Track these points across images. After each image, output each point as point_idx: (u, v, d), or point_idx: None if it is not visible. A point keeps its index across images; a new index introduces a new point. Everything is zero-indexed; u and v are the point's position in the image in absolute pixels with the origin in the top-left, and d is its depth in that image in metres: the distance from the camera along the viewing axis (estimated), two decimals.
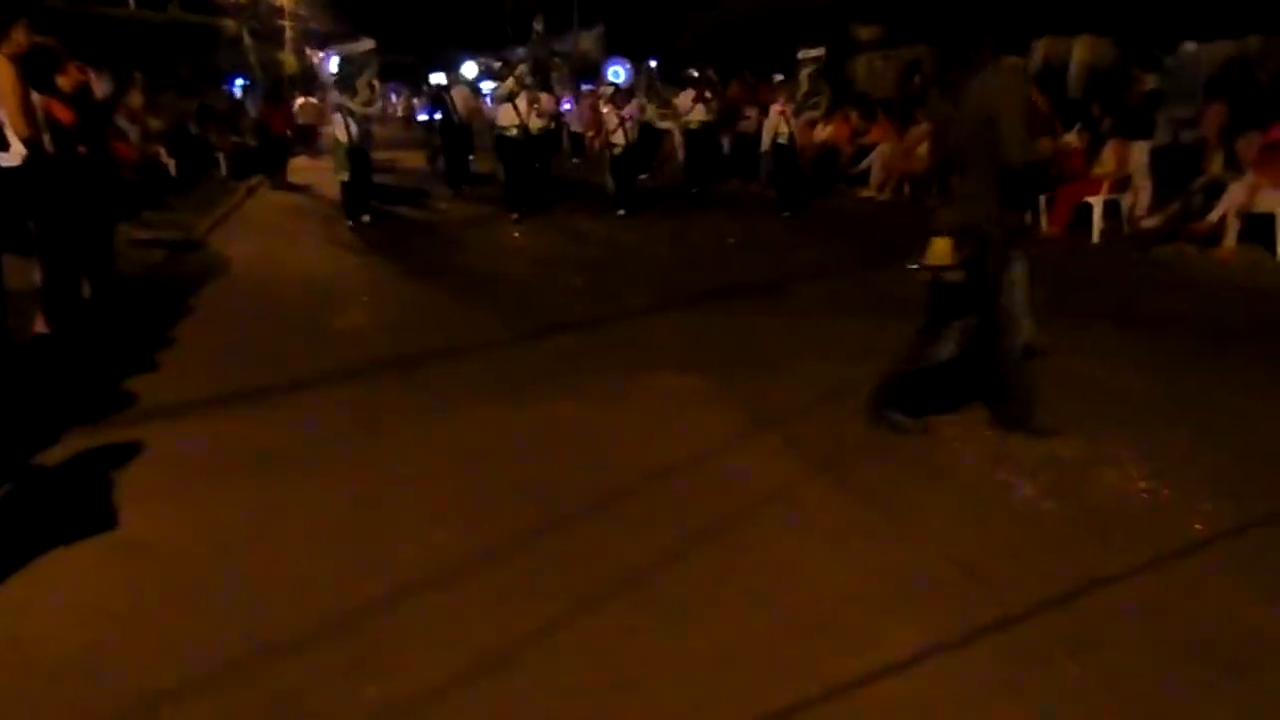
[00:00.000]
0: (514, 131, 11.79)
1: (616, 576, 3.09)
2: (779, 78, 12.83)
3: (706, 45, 21.25)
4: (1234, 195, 8.43)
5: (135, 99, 15.68)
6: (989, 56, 4.10)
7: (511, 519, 3.52)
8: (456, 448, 4.32)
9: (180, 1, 27.97)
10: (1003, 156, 3.82)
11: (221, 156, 17.51)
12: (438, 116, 17.81)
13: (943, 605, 2.90)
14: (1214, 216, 8.54)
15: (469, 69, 53.29)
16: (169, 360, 5.72)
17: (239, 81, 27.98)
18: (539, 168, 13.30)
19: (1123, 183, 9.94)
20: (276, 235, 10.97)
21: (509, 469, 4.05)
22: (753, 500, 3.64)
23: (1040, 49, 17.51)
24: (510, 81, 12.04)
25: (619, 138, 12.14)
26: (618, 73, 20.21)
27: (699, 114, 14.14)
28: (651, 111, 16.55)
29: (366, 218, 11.27)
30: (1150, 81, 10.99)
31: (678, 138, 16.44)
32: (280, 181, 16.29)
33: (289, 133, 18.75)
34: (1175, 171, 10.37)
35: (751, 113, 15.31)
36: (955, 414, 4.55)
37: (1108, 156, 9.78)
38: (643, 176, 14.35)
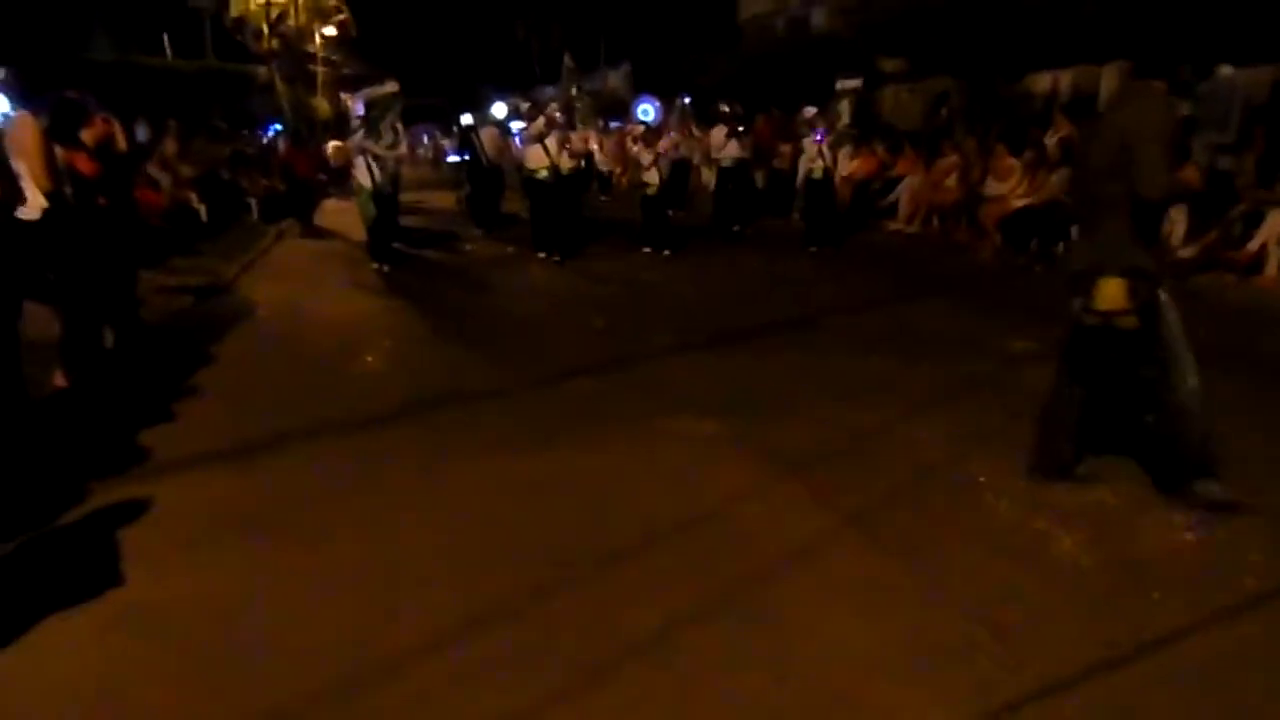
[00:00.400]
0: (544, 173, 11.60)
1: (626, 642, 2.95)
2: (811, 110, 12.57)
3: (731, 83, 21.30)
4: (1274, 223, 8.18)
5: (170, 146, 16.01)
6: (1128, 81, 3.87)
7: (518, 579, 3.39)
8: (464, 501, 4.20)
9: (215, 50, 28.75)
10: (1138, 189, 3.61)
11: (253, 201, 17.78)
12: (466, 157, 17.96)
13: (971, 675, 2.72)
14: (1254, 245, 8.29)
15: (499, 109, 54.22)
16: (187, 411, 5.68)
17: (274, 127, 28.61)
18: (570, 209, 13.01)
19: None
20: (303, 279, 11.01)
21: (516, 524, 3.92)
22: (772, 558, 3.48)
23: (1069, 77, 17.38)
24: (540, 122, 11.94)
25: (652, 176, 11.88)
26: (647, 110, 20.08)
27: (733, 150, 13.72)
28: (685, 148, 16.36)
29: (388, 267, 11.09)
30: (1185, 108, 10.73)
31: (705, 174, 16.24)
32: (308, 226, 16.36)
33: (319, 176, 19.03)
34: (1211, 199, 10.11)
35: (785, 148, 15.16)
36: (989, 459, 4.36)
37: None
38: (673, 212, 13.98)
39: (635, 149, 19.33)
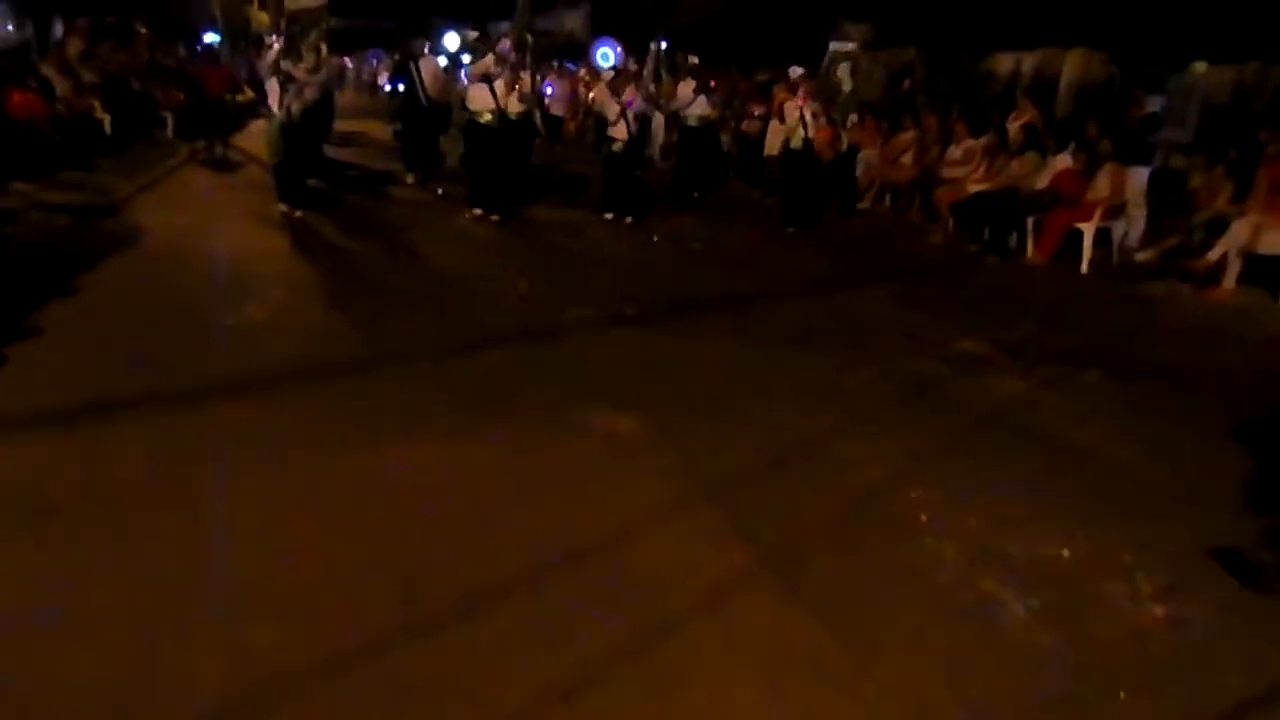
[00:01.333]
0: (488, 117, 9.94)
1: (481, 715, 2.36)
2: (798, 71, 11.33)
3: (691, 34, 20.43)
4: (1237, 233, 7.82)
5: (73, 47, 14.65)
6: None
7: (359, 616, 2.76)
8: (309, 506, 3.50)
9: None
10: None
11: (168, 116, 16.45)
12: (401, 87, 16.64)
13: None
14: (1214, 255, 7.93)
15: (451, 40, 51.98)
16: (18, 355, 4.86)
17: (209, 36, 26.67)
18: (516, 159, 11.30)
19: (1115, 210, 9.32)
20: (203, 208, 10.02)
21: (374, 541, 3.27)
22: (676, 610, 2.91)
23: (1033, 60, 16.94)
24: (489, 59, 10.31)
25: (619, 131, 10.24)
26: (606, 54, 18.66)
27: (701, 108, 12.29)
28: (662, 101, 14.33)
29: (299, 211, 9.41)
30: (1152, 104, 10.36)
31: (660, 135, 14.85)
32: (213, 153, 14.45)
33: (238, 95, 17.22)
34: (1163, 199, 9.80)
35: (758, 110, 13.99)
36: (931, 487, 3.85)
37: (1103, 182, 9.14)
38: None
39: (594, 96, 18.15)
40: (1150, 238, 9.31)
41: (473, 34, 14.47)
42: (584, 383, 5.02)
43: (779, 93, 13.51)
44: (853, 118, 11.45)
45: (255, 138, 15.25)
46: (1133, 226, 9.54)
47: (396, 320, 6.09)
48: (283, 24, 9.54)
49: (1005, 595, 3.08)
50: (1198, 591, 3.17)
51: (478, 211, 9.91)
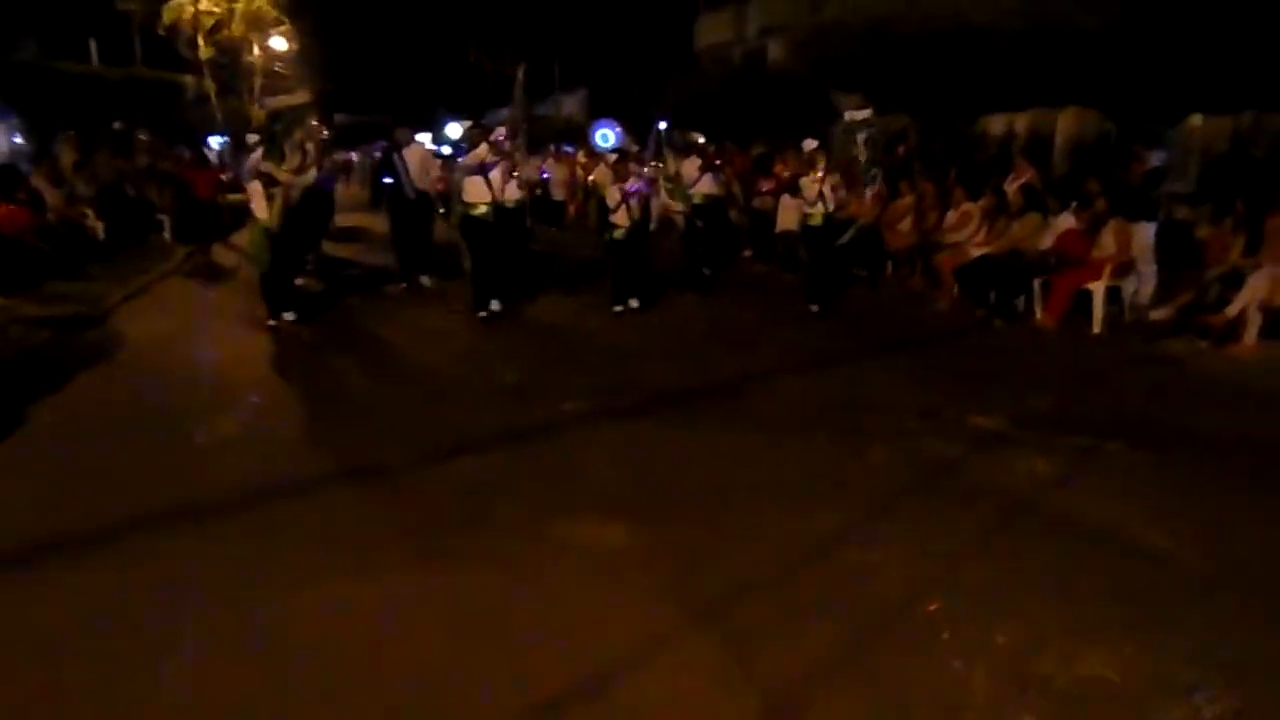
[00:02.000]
0: (483, 209, 9.28)
1: None
2: (812, 143, 10.49)
3: (686, 112, 20.58)
4: (1255, 287, 7.49)
5: (66, 158, 14.76)
6: None
7: None
8: (253, 658, 3.17)
9: (146, 58, 27.31)
10: None
11: (165, 219, 16.50)
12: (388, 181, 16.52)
13: None
14: (1232, 310, 7.58)
15: (453, 130, 53.04)
16: None
17: (220, 140, 27.08)
18: (513, 249, 10.60)
19: (1124, 268, 9.03)
20: (193, 312, 9.89)
21: (325, 692, 2.91)
22: None
23: (1026, 120, 16.91)
24: (482, 149, 9.43)
25: (621, 218, 9.48)
26: (606, 136, 18.17)
27: (707, 186, 11.90)
28: (664, 186, 13.07)
29: (290, 315, 8.78)
30: (1152, 159, 10.16)
31: (678, 213, 13.28)
32: (206, 258, 13.97)
33: (224, 198, 16.47)
34: (1171, 253, 9.52)
35: (768, 185, 13.30)
36: (955, 597, 3.46)
37: (1108, 239, 8.86)
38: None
39: (594, 178, 17.89)
40: (1163, 294, 8.99)
41: (468, 123, 12.69)
42: (571, 488, 4.68)
43: (785, 166, 13.26)
44: (873, 189, 11.18)
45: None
46: (1143, 283, 9.24)
47: (375, 429, 5.79)
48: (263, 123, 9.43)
49: None
50: (1268, 714, 2.76)
51: (483, 315, 9.18)
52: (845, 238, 11.97)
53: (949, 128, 15.11)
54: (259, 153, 9.06)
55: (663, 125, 13.95)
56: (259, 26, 28.70)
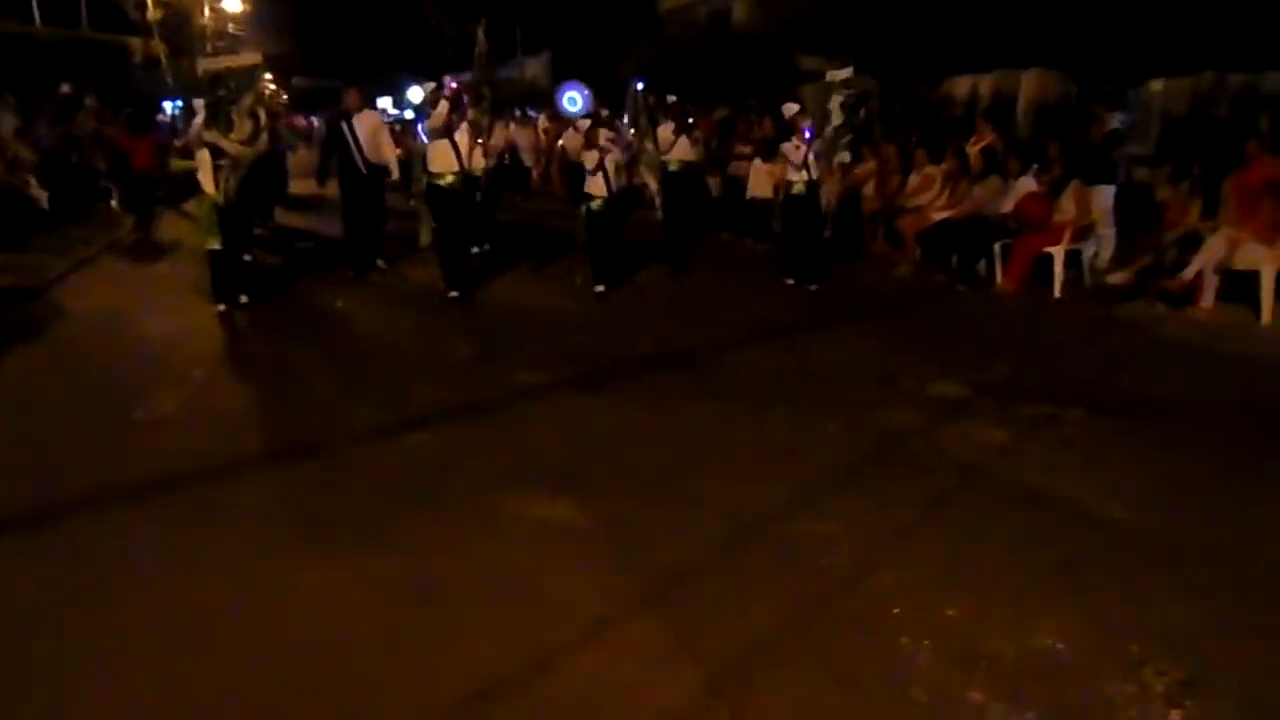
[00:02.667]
0: (450, 179, 8.46)
1: None
2: (794, 107, 9.47)
3: (650, 74, 20.26)
4: (1212, 249, 7.49)
5: (6, 123, 14.21)
6: None
7: None
8: (184, 648, 3.03)
9: (92, 20, 26.39)
10: None
11: (113, 187, 16.01)
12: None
13: None
14: (1189, 273, 7.59)
15: (415, 94, 51.84)
16: None
17: (167, 103, 26.25)
18: (480, 219, 10.06)
19: (1084, 231, 9.01)
20: (139, 284, 9.59)
21: (258, 676, 2.80)
22: None
23: (990, 82, 16.83)
24: (443, 107, 8.44)
25: (596, 186, 8.74)
26: (574, 99, 17.28)
27: (683, 152, 11.07)
28: (649, 151, 11.96)
29: (243, 298, 8.15)
30: (1113, 121, 10.12)
31: (653, 183, 12.18)
32: (144, 233, 13.02)
33: (166, 166, 15.39)
34: (1131, 216, 9.53)
35: (745, 150, 12.75)
36: (905, 569, 3.40)
37: (1068, 203, 8.83)
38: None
39: (564, 144, 16.57)
40: (1122, 257, 9.00)
41: (430, 85, 11.03)
42: (522, 463, 4.57)
43: (755, 130, 12.99)
44: (840, 157, 10.35)
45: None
46: (1102, 246, 9.25)
47: (323, 405, 5.63)
48: (209, 85, 8.30)
49: (995, 709, 2.62)
50: (1216, 685, 2.73)
51: (454, 293, 8.51)
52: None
53: (911, 90, 15.01)
54: (200, 119, 7.91)
55: (639, 86, 12.56)
56: None
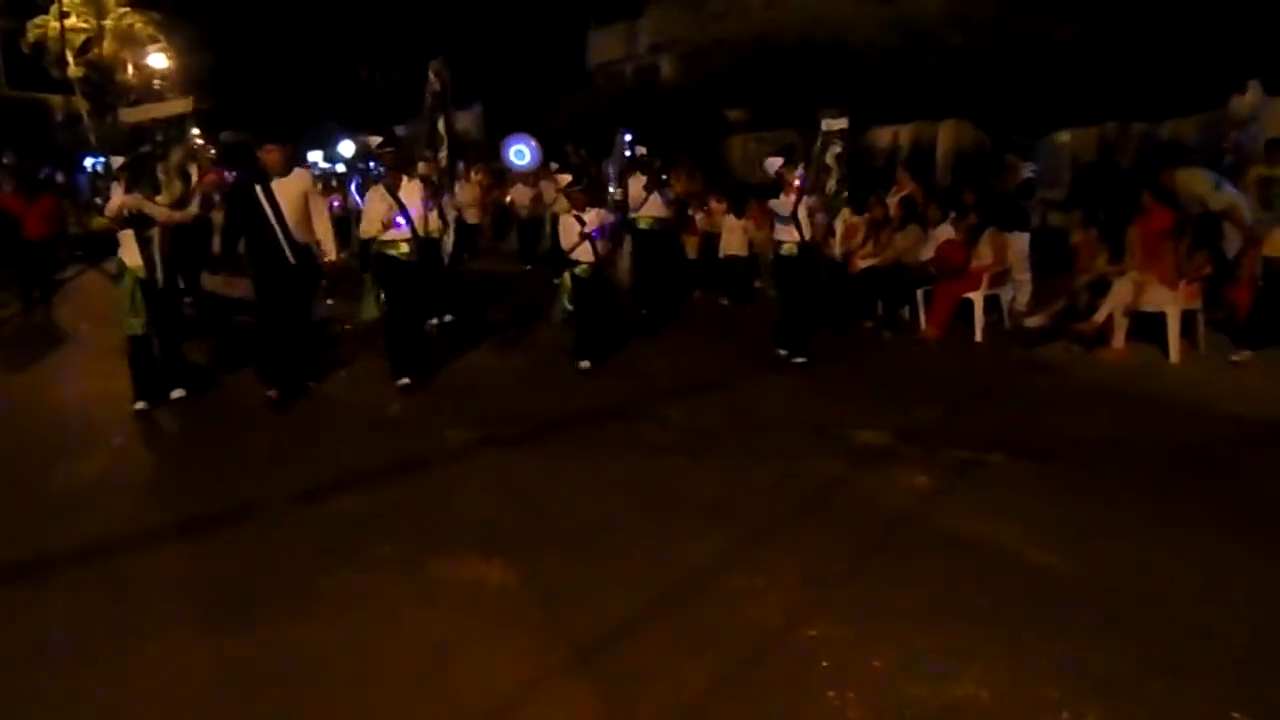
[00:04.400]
0: (404, 249, 7.23)
1: None
2: (777, 161, 8.46)
3: (579, 126, 20.55)
4: (1120, 293, 7.83)
5: None
6: None
7: None
8: (112, 711, 2.92)
9: (12, 78, 25.88)
10: None
11: None
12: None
13: None
14: (1100, 316, 7.91)
15: (346, 148, 51.63)
16: None
17: (89, 161, 25.66)
18: (448, 288, 9.23)
19: (1001, 276, 9.35)
20: (56, 345, 9.29)
21: None
22: None
23: (910, 132, 17.44)
24: (388, 160, 7.46)
25: (584, 252, 7.71)
26: (521, 152, 16.02)
27: (655, 209, 10.36)
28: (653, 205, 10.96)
29: (179, 392, 6.81)
30: (1025, 170, 10.57)
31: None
32: (32, 310, 11.57)
33: (61, 236, 14.05)
34: (1047, 259, 9.93)
35: (718, 206, 12.12)
36: (830, 621, 3.43)
37: (985, 250, 9.16)
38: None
39: (512, 199, 16.08)
40: (1038, 301, 9.34)
41: (375, 139, 8.84)
42: (450, 523, 4.51)
43: (690, 182, 12.56)
44: (844, 213, 9.37)
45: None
46: (1020, 291, 9.59)
47: (246, 467, 5.49)
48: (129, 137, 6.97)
49: None
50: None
51: (405, 381, 7.17)
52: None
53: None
54: (118, 186, 6.65)
55: (628, 137, 11.47)
56: (133, 44, 27.59)
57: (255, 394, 6.89)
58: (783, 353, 8.13)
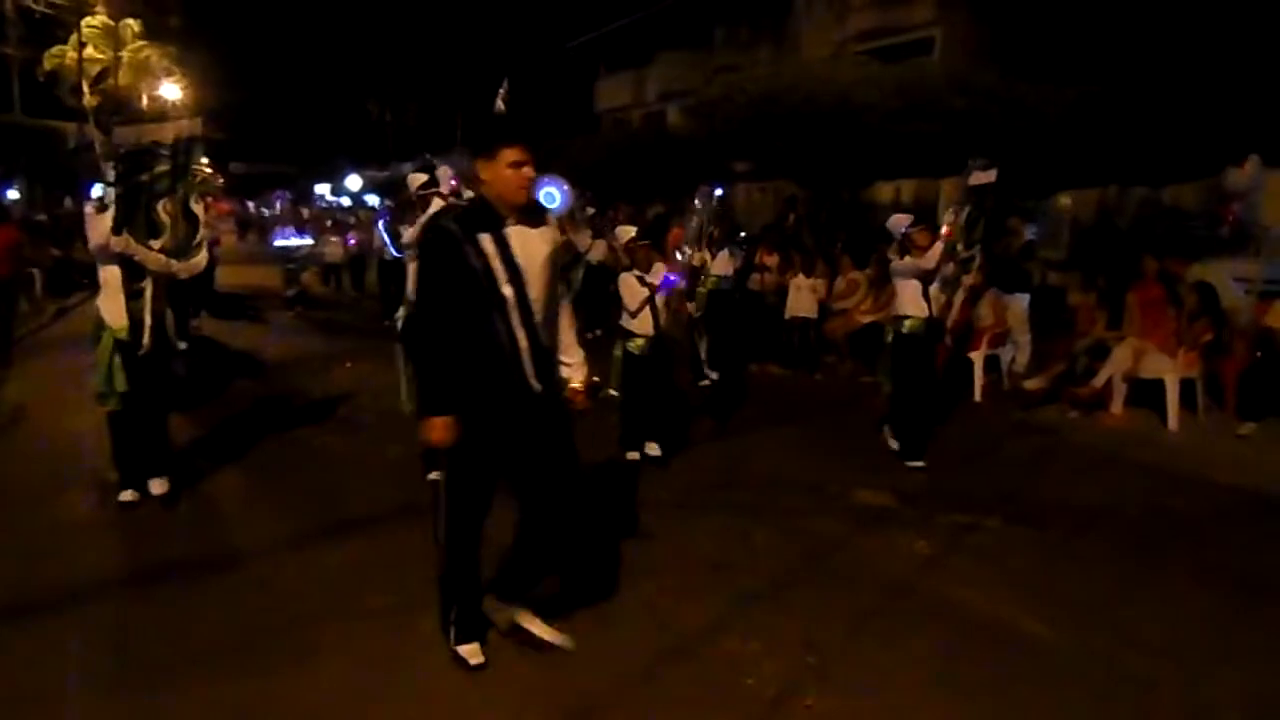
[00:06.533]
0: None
1: None
2: (904, 219, 7.06)
3: (587, 171, 20.75)
4: (1119, 360, 7.89)
5: None
6: None
7: None
8: None
9: (28, 105, 26.16)
10: None
11: (35, 273, 15.66)
12: (299, 239, 15.28)
13: None
14: (1099, 381, 7.96)
15: (353, 182, 52.32)
16: None
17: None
18: None
19: (1001, 337, 9.43)
20: (53, 374, 9.27)
21: None
22: None
23: (912, 187, 17.67)
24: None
25: (644, 324, 6.44)
26: (551, 195, 16.41)
27: (722, 266, 9.57)
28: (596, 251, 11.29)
29: (159, 485, 5.44)
30: (1027, 233, 10.71)
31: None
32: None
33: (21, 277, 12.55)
34: (1047, 318, 10.01)
35: (771, 261, 11.28)
36: (830, 694, 3.42)
37: (985, 310, 9.24)
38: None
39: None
40: (1037, 362, 9.41)
41: (418, 176, 6.18)
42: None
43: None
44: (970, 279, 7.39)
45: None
46: (1019, 351, 9.67)
47: (243, 513, 5.48)
48: (115, 170, 5.06)
49: None
50: None
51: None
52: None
53: (835, 196, 15.62)
54: (104, 218, 5.06)
55: (719, 192, 10.17)
56: (148, 76, 27.91)
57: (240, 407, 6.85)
58: (894, 445, 6.96)
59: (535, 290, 3.32)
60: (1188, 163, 11.63)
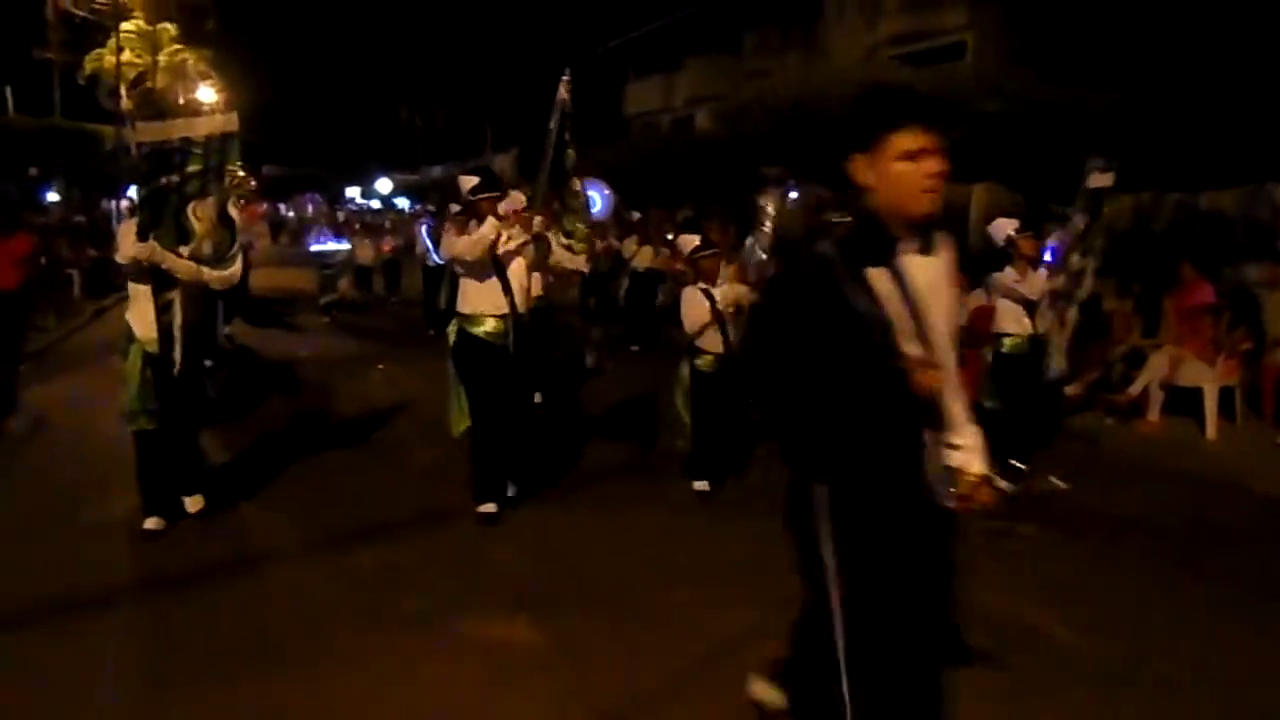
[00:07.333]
0: (491, 325, 5.33)
1: None
2: (1012, 223, 6.98)
3: (616, 175, 20.76)
4: (1155, 367, 7.79)
5: None
6: None
7: None
8: None
9: (68, 108, 26.68)
10: None
11: (74, 274, 15.99)
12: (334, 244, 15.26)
13: None
14: (1135, 389, 7.86)
15: (383, 184, 52.86)
16: None
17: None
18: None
19: None
20: (92, 374, 9.42)
21: None
22: None
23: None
24: (488, 228, 5.22)
25: (712, 340, 5.91)
26: (593, 199, 15.36)
27: None
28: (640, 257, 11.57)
29: (195, 503, 5.23)
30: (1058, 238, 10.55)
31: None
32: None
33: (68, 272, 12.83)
34: (1083, 325, 9.85)
35: None
36: None
37: None
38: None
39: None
40: (1075, 367, 9.28)
41: (469, 179, 5.51)
42: (479, 581, 4.52)
43: (724, 234, 12.02)
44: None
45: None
46: (1054, 360, 9.51)
47: (275, 515, 5.52)
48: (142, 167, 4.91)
49: None
50: None
51: (489, 509, 5.35)
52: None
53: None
54: (127, 224, 5.06)
55: (793, 193, 9.01)
56: (185, 79, 28.40)
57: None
58: (1021, 466, 6.37)
59: (941, 349, 2.31)
60: (1224, 168, 11.45)
